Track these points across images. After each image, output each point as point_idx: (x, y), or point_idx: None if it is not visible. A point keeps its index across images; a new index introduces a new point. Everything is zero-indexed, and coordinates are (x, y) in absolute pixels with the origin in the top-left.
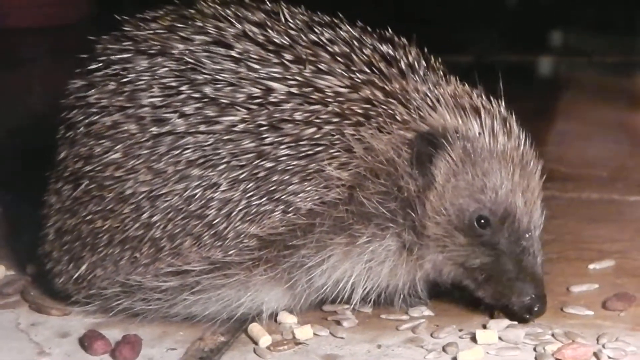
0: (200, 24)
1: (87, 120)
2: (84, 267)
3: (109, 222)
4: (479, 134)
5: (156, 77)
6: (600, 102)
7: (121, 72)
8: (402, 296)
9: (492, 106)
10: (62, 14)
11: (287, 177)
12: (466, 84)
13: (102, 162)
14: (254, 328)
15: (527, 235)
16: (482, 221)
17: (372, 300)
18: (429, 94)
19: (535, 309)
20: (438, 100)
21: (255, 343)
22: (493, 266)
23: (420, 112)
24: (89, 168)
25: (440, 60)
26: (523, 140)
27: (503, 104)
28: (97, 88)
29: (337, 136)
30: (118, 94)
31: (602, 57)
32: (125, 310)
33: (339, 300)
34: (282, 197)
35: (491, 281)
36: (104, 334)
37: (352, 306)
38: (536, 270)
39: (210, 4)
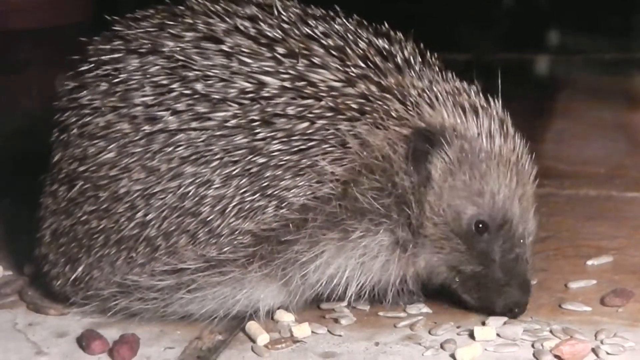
0: (190, 20)
1: (80, 122)
2: (80, 268)
3: (104, 222)
4: (477, 134)
5: (147, 75)
6: (598, 101)
7: (112, 73)
8: (396, 291)
9: (490, 106)
10: (59, 16)
11: (279, 173)
12: (464, 81)
13: (96, 162)
14: (252, 326)
15: (521, 242)
16: (481, 226)
17: (368, 296)
18: (426, 91)
19: (516, 311)
20: (436, 98)
21: (253, 341)
22: (484, 274)
23: (418, 109)
24: (83, 168)
25: (436, 56)
26: (519, 142)
27: (500, 103)
28: (89, 89)
29: (331, 131)
30: (110, 94)
31: (599, 56)
32: (123, 310)
33: (334, 296)
34: (275, 192)
35: (480, 287)
36: (101, 334)
37: (346, 302)
38: (526, 277)
39: (200, 1)
